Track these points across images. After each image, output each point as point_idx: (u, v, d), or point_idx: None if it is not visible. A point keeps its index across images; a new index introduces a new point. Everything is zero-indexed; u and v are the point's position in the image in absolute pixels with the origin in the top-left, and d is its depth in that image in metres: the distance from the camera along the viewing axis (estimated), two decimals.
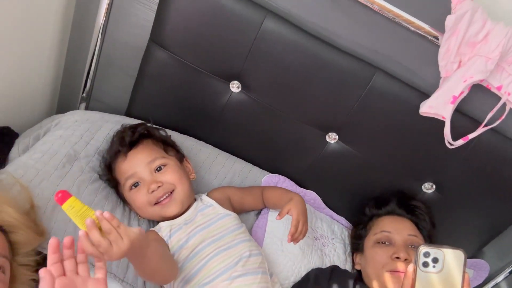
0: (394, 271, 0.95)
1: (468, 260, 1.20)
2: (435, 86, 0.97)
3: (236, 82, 1.06)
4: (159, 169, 0.92)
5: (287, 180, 1.18)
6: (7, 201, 0.73)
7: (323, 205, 1.20)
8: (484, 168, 1.07)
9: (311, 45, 0.97)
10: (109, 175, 0.94)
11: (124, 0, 1.07)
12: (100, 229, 0.63)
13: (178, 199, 0.90)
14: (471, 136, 0.98)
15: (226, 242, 0.87)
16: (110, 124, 1.07)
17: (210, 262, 0.84)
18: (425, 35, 0.95)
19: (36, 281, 0.75)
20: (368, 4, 0.93)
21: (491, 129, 0.98)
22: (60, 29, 1.10)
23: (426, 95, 0.98)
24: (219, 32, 0.98)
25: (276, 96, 1.06)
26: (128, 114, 1.17)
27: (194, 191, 0.99)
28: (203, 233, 0.87)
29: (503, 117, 0.96)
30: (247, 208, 1.04)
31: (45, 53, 1.10)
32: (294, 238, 0.87)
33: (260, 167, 1.18)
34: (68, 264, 0.65)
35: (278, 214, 0.89)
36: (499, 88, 0.95)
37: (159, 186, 0.89)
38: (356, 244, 1.09)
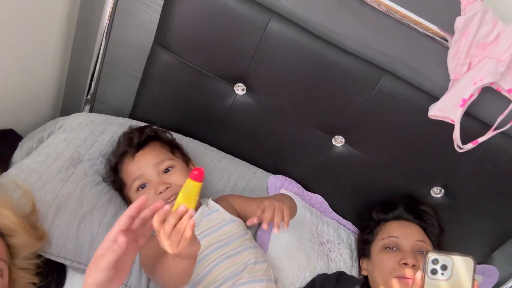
0: (401, 277, 0.93)
1: (477, 266, 1.17)
2: (444, 89, 0.95)
3: (240, 84, 1.05)
4: (166, 170, 0.91)
5: (293, 182, 1.16)
6: (4, 204, 0.72)
7: (330, 209, 1.19)
8: (493, 172, 1.05)
9: (317, 47, 0.96)
10: (114, 176, 0.93)
11: (129, 2, 1.06)
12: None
13: None
14: (480, 139, 0.96)
15: (232, 248, 0.86)
16: (114, 126, 1.06)
17: (216, 268, 0.83)
18: (434, 36, 0.94)
19: (36, 284, 0.74)
20: (376, 5, 0.92)
21: (501, 132, 0.96)
22: (64, 31, 1.09)
23: (434, 98, 0.97)
24: (224, 34, 0.97)
25: (281, 99, 1.04)
26: (132, 116, 1.16)
27: (200, 195, 0.98)
28: (208, 239, 0.86)
29: None
30: (247, 214, 0.99)
31: (49, 55, 1.09)
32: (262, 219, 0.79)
33: (265, 170, 1.16)
34: (137, 222, 0.67)
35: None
36: (509, 91, 0.93)
37: (167, 188, 0.88)
38: (363, 249, 1.07)
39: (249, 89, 1.05)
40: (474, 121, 0.99)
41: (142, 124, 1.09)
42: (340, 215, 1.20)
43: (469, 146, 0.95)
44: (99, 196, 0.90)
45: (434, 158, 1.06)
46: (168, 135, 1.02)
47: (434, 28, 0.93)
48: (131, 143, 0.92)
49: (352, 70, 0.97)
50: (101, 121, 1.07)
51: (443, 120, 0.94)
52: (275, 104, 1.05)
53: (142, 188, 0.89)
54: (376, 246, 1.02)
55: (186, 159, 0.99)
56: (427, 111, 0.96)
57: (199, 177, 0.69)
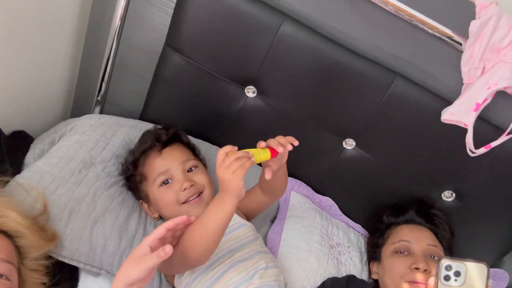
0: (413, 282, 0.93)
1: None
2: (457, 93, 0.94)
3: (251, 87, 1.04)
4: (190, 170, 0.92)
5: (303, 185, 1.16)
6: (11, 206, 0.73)
7: (339, 212, 1.18)
8: (506, 176, 1.05)
9: (330, 50, 0.95)
10: (133, 171, 0.93)
11: (140, 4, 1.06)
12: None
13: (205, 201, 0.90)
14: (493, 144, 0.95)
15: (243, 253, 0.86)
16: (125, 128, 1.06)
17: (227, 273, 0.83)
18: (448, 40, 0.93)
19: (46, 284, 0.74)
20: (388, 8, 0.91)
21: None
22: (75, 33, 1.09)
23: (447, 102, 0.96)
24: (235, 37, 0.97)
25: (292, 102, 1.04)
26: (142, 117, 1.17)
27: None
28: (219, 243, 0.86)
29: None
30: (252, 210, 0.99)
31: (60, 57, 1.10)
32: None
33: None
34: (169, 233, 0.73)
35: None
36: None
37: (192, 185, 0.88)
38: (373, 253, 1.06)
39: (259, 91, 1.05)
40: (487, 125, 0.98)
41: (151, 125, 1.09)
42: (349, 218, 1.20)
43: (482, 150, 0.95)
44: (111, 199, 0.91)
45: (446, 162, 1.05)
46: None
47: (448, 31, 0.92)
48: (160, 139, 0.93)
49: (364, 73, 0.96)
50: (112, 123, 1.07)
51: (456, 124, 0.94)
52: (285, 107, 1.05)
53: (165, 184, 0.90)
54: (387, 250, 1.01)
55: (204, 163, 1.00)
56: (439, 115, 0.96)
57: (274, 154, 0.78)
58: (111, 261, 0.86)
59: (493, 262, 1.23)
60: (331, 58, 0.96)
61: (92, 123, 1.04)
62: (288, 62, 0.98)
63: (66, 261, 0.82)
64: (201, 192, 0.90)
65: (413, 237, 0.99)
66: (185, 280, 0.85)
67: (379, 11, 0.93)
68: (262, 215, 1.05)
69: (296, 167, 1.16)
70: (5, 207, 0.72)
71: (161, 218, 0.96)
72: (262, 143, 0.78)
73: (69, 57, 1.13)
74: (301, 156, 1.14)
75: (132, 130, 1.06)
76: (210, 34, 0.98)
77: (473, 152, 0.95)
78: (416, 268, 0.93)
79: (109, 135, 1.02)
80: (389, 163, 1.08)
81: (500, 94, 0.94)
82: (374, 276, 1.05)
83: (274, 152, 0.77)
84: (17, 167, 0.94)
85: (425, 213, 1.05)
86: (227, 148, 0.74)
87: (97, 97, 1.17)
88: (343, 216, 1.19)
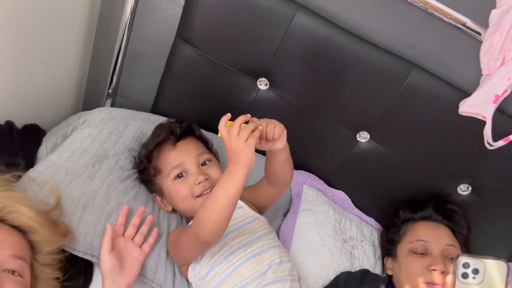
0: (430, 283, 0.91)
1: None
2: (475, 84, 0.92)
3: (263, 79, 1.03)
4: (204, 163, 0.92)
5: (316, 178, 1.15)
6: (23, 201, 0.73)
7: (352, 206, 1.17)
8: None
9: (344, 41, 0.93)
10: (147, 164, 0.93)
11: None
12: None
13: None
14: None
15: (256, 247, 0.85)
16: (137, 121, 1.06)
17: (240, 268, 0.83)
18: (467, 30, 0.90)
19: (59, 279, 0.75)
20: None
21: None
22: (86, 25, 1.09)
23: (465, 93, 0.94)
24: (247, 28, 0.96)
25: (306, 94, 1.02)
26: (154, 111, 1.16)
27: None
28: (232, 237, 0.85)
29: None
30: (262, 203, 0.98)
31: (71, 50, 1.09)
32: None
33: None
34: (130, 230, 0.85)
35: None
36: None
37: (206, 179, 0.88)
38: (388, 249, 1.05)
39: (272, 84, 1.03)
40: (505, 117, 0.96)
41: (164, 118, 1.08)
42: (362, 212, 1.18)
43: (500, 143, 0.92)
44: (124, 193, 0.90)
45: (463, 155, 1.03)
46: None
47: (467, 21, 0.89)
48: (174, 132, 0.93)
49: (380, 64, 0.94)
50: (124, 116, 1.06)
51: (474, 116, 0.91)
52: (298, 99, 1.03)
53: (179, 177, 0.89)
54: (403, 248, 0.99)
55: (217, 157, 0.99)
56: (457, 107, 0.93)
57: None
58: None
59: (508, 257, 1.22)
60: (346, 49, 0.94)
61: (103, 117, 1.04)
62: (301, 54, 0.96)
63: (80, 255, 0.82)
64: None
65: (431, 237, 0.97)
66: (199, 274, 0.85)
67: (395, 1, 0.90)
68: (274, 208, 1.05)
69: (309, 160, 1.15)
70: (18, 202, 0.72)
71: (175, 211, 0.96)
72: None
73: (80, 50, 1.12)
74: (314, 149, 1.13)
75: (144, 123, 1.06)
76: (222, 26, 0.96)
77: (491, 145, 0.92)
78: (434, 269, 0.92)
79: (121, 128, 1.02)
80: (404, 156, 1.06)
81: None
82: (389, 272, 1.03)
83: None
84: (30, 161, 0.94)
85: (443, 209, 1.03)
86: (224, 119, 0.74)
87: (108, 89, 1.17)
88: (356, 209, 1.17)
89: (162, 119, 1.07)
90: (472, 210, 1.09)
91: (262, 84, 1.04)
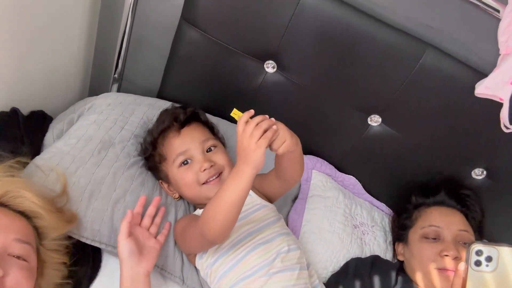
0: (442, 269, 0.89)
1: None
2: (492, 65, 0.88)
3: (271, 61, 1.00)
4: (209, 150, 0.90)
5: (325, 163, 1.13)
6: (26, 187, 0.72)
7: (363, 191, 1.15)
8: None
9: (356, 20, 0.90)
10: (152, 151, 0.92)
11: None
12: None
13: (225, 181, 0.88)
14: None
15: (264, 235, 0.84)
16: (143, 107, 1.04)
17: (248, 256, 0.82)
18: (484, 7, 0.86)
19: (66, 264, 0.75)
20: None
21: None
22: (89, 9, 1.07)
23: (482, 74, 0.90)
24: (254, 8, 0.93)
25: (315, 77, 1.00)
26: (160, 95, 1.14)
27: None
28: (240, 225, 0.84)
29: None
30: (270, 194, 0.96)
31: (75, 34, 1.07)
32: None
33: None
34: (146, 220, 0.85)
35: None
36: None
37: (211, 166, 0.87)
38: (400, 234, 1.03)
39: (280, 66, 1.01)
40: None
41: (170, 104, 1.07)
42: (373, 197, 1.16)
43: None
44: (131, 180, 0.90)
45: (478, 138, 1.00)
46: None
47: None
48: (178, 118, 0.91)
49: (393, 44, 0.91)
50: (129, 101, 1.05)
51: (491, 98, 0.88)
52: (307, 82, 1.01)
53: (185, 164, 0.88)
54: (415, 234, 0.98)
55: (223, 142, 0.97)
56: (473, 88, 0.90)
57: None
58: None
59: None
60: (357, 29, 0.90)
61: (109, 102, 1.03)
62: (310, 35, 0.93)
63: (88, 242, 0.82)
64: (221, 173, 0.89)
65: (444, 222, 0.95)
66: (206, 262, 0.84)
67: None
68: None
69: (318, 145, 1.13)
70: (21, 188, 0.72)
71: (182, 198, 0.95)
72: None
73: (85, 35, 1.10)
74: (323, 134, 1.11)
75: (150, 109, 1.04)
76: (227, 6, 0.93)
77: (507, 128, 0.89)
78: (446, 255, 0.90)
79: (127, 114, 1.01)
80: (417, 140, 1.03)
81: None
82: (400, 258, 1.02)
83: None
84: (36, 148, 0.93)
85: (456, 194, 1.01)
86: (245, 117, 0.72)
87: (114, 74, 1.15)
88: (367, 195, 1.15)
89: (168, 104, 1.06)
90: (486, 195, 1.06)
91: (270, 67, 1.01)
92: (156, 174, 0.94)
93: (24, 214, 0.71)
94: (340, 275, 0.96)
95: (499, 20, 0.86)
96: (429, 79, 0.93)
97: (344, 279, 0.94)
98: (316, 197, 1.06)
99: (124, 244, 0.78)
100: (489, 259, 0.62)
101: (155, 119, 0.98)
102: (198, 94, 1.11)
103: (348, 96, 1.01)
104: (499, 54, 0.88)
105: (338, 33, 0.92)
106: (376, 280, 0.93)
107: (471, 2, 0.87)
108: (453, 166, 1.06)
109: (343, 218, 1.04)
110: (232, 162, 0.92)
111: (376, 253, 1.03)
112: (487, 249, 0.62)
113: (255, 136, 0.69)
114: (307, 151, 1.13)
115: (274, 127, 0.71)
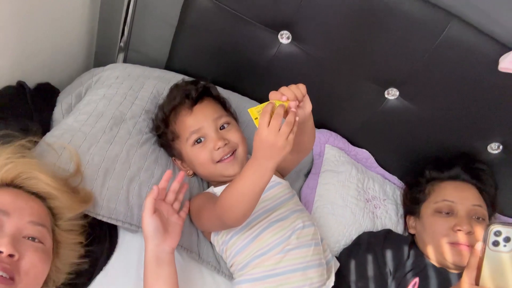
0: (455, 244, 0.90)
1: None
2: None
3: (285, 32, 0.96)
4: (222, 127, 0.88)
5: (339, 137, 1.11)
6: (40, 168, 0.71)
7: (375, 164, 1.14)
8: None
9: None
10: (164, 128, 0.90)
11: None
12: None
13: (239, 159, 0.87)
14: None
15: (279, 213, 0.84)
16: (152, 80, 1.01)
17: (263, 234, 0.82)
18: None
19: (82, 243, 0.75)
20: None
21: None
22: None
23: (506, 48, 0.86)
24: None
25: (332, 48, 0.96)
26: (168, 66, 1.10)
27: None
28: None
29: None
30: (281, 168, 0.95)
31: (79, 3, 1.02)
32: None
33: None
34: (170, 195, 0.82)
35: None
36: None
37: (225, 144, 0.85)
38: (412, 208, 1.03)
39: (295, 37, 0.96)
40: None
41: (179, 76, 1.03)
42: (385, 170, 1.15)
43: None
44: (145, 157, 0.88)
45: (497, 113, 0.97)
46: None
47: None
48: (189, 95, 0.88)
49: (415, 15, 0.86)
50: (138, 74, 1.01)
51: None
52: (323, 53, 0.97)
53: (198, 142, 0.87)
54: (428, 208, 0.97)
55: (236, 117, 0.95)
56: (495, 62, 0.86)
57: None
58: None
59: None
60: None
61: (117, 75, 0.99)
62: (328, 3, 0.88)
63: (105, 219, 0.81)
64: (235, 150, 0.87)
65: (458, 197, 0.94)
66: (222, 239, 0.85)
67: None
68: (296, 169, 1.02)
69: (332, 118, 1.11)
70: (34, 169, 0.70)
71: (195, 175, 0.94)
72: (276, 95, 0.72)
73: (88, 2, 1.05)
74: (337, 107, 1.08)
75: (159, 82, 1.01)
76: None
77: None
78: (459, 230, 0.90)
79: (136, 88, 0.97)
80: (435, 113, 1.01)
81: None
82: (411, 231, 1.02)
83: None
84: (45, 123, 0.91)
85: (472, 168, 1.00)
86: (269, 107, 0.68)
87: (120, 43, 1.11)
88: (379, 168, 1.14)
89: (177, 77, 1.02)
90: (501, 170, 1.05)
91: (284, 38, 0.97)
92: (169, 151, 0.93)
93: (38, 195, 0.71)
94: (352, 248, 0.97)
95: None
96: (452, 51, 0.89)
97: (357, 252, 0.95)
98: (328, 172, 1.05)
99: (150, 222, 0.75)
100: (507, 239, 0.61)
101: (165, 93, 0.96)
102: (207, 66, 1.07)
103: (366, 68, 0.97)
104: None
105: (357, 2, 0.87)
106: (389, 254, 0.94)
107: None
108: (469, 140, 1.04)
109: (355, 192, 1.04)
110: (246, 138, 0.90)
111: (388, 227, 1.04)
112: (506, 230, 0.61)
113: (284, 132, 0.66)
114: (320, 125, 1.11)
115: (297, 118, 0.68)
